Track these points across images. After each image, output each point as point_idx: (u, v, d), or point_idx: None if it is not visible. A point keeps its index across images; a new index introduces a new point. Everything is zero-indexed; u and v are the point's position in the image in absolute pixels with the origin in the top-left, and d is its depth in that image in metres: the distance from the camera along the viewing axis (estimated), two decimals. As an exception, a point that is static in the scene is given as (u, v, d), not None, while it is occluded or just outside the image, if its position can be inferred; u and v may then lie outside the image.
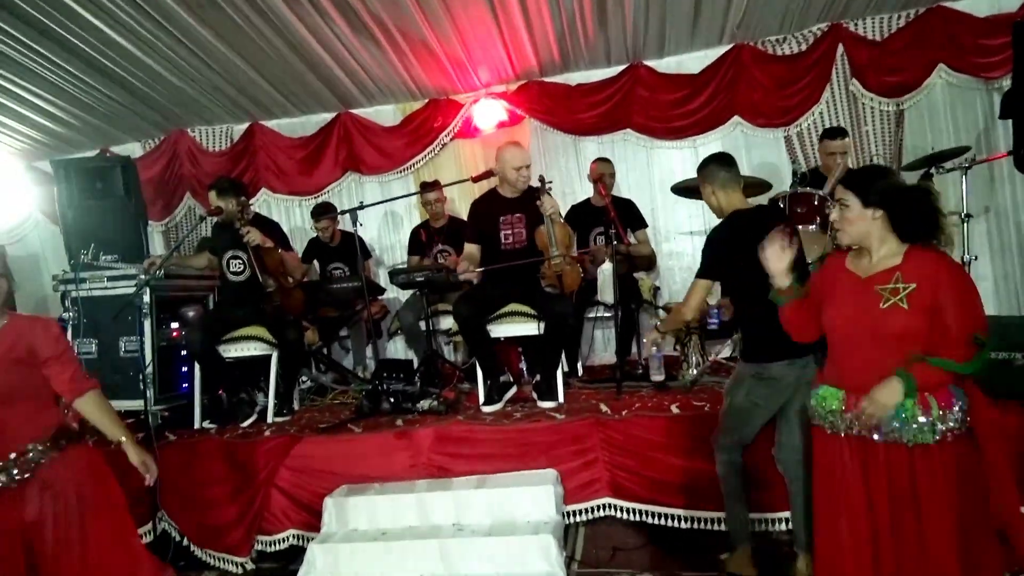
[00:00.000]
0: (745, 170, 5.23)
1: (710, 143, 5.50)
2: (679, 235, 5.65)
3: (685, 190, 4.43)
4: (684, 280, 5.48)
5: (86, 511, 2.45)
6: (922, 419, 1.98)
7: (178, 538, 3.88)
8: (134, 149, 6.41)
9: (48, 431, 2.44)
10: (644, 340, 4.15)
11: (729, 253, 2.82)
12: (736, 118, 5.45)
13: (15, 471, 2.36)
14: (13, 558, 2.36)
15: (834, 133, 4.48)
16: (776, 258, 2.31)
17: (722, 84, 5.43)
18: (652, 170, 5.72)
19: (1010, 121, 4.14)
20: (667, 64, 5.61)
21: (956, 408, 1.99)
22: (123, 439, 2.54)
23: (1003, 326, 3.19)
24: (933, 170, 3.96)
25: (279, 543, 3.74)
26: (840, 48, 5.23)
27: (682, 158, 5.64)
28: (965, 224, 4.07)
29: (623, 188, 5.63)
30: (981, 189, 5.05)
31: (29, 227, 6.65)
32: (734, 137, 5.51)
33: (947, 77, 5.12)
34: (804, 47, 5.34)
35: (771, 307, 2.43)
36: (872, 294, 2.06)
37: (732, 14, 5.01)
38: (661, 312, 4.79)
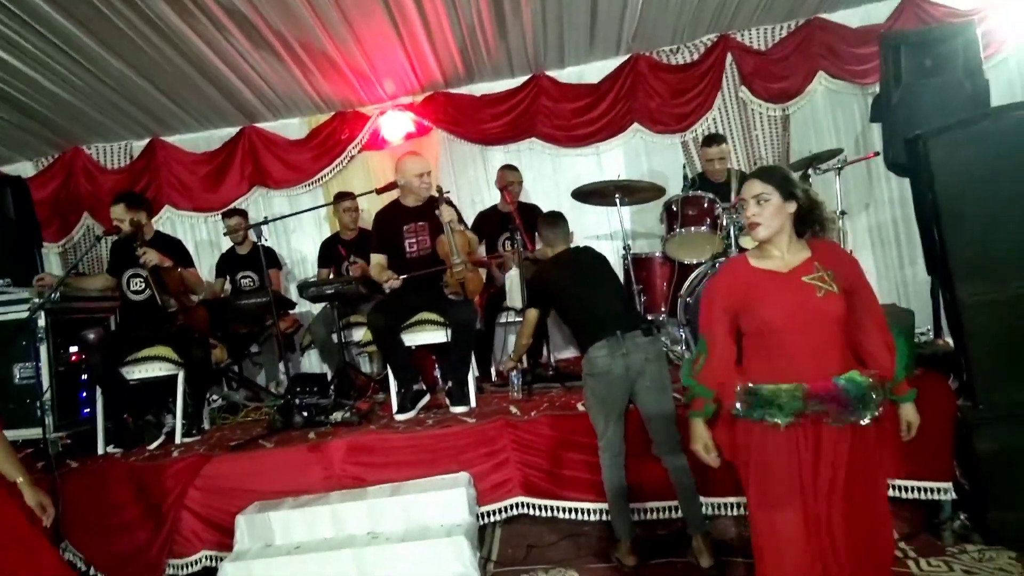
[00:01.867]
0: (645, 174, 5.51)
1: (612, 149, 5.74)
2: (586, 239, 5.80)
3: (587, 196, 4.58)
4: (592, 282, 5.64)
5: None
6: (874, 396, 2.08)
7: (84, 568, 3.75)
8: (26, 168, 6.15)
9: None
10: (501, 367, 4.58)
11: (547, 288, 3.44)
12: (636, 125, 5.69)
13: None
14: None
15: (711, 140, 4.76)
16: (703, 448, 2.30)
17: (621, 92, 5.66)
18: (558, 177, 5.89)
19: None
20: (568, 74, 5.82)
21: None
22: (19, 479, 2.44)
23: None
24: (811, 171, 4.24)
25: (191, 565, 3.65)
26: (729, 57, 5.55)
27: (586, 164, 5.84)
28: (841, 220, 4.37)
29: (532, 195, 5.76)
30: (861, 186, 5.43)
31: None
32: (634, 143, 5.76)
33: (827, 83, 5.50)
34: (696, 56, 5.64)
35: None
36: (803, 286, 2.12)
37: (627, 24, 5.23)
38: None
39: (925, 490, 3.23)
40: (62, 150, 6.12)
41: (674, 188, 4.92)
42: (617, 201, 4.24)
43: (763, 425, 2.10)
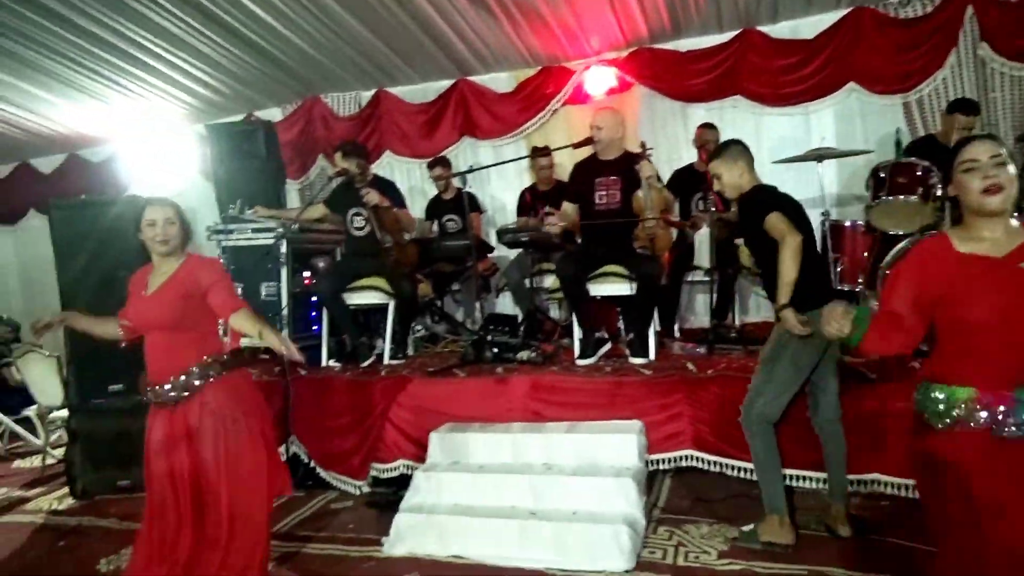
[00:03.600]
0: (857, 137, 5.19)
1: (823, 109, 5.45)
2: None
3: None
4: (787, 247, 5.47)
5: (240, 430, 2.77)
6: None
7: (306, 460, 4.40)
8: (275, 114, 7.03)
9: (211, 356, 2.74)
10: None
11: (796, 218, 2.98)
12: (851, 84, 5.34)
13: (182, 388, 2.68)
14: (180, 467, 2.72)
15: (968, 108, 4.30)
16: (840, 328, 1.93)
17: (838, 49, 5.32)
18: (760, 137, 5.68)
19: None
20: (780, 29, 5.56)
21: None
22: (272, 336, 2.70)
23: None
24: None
25: (391, 471, 4.13)
26: (969, 10, 4.99)
27: (792, 124, 5.61)
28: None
29: (731, 154, 5.64)
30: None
31: (187, 184, 7.45)
32: (848, 104, 5.43)
33: (1091, 40, 4.81)
34: (930, 8, 5.14)
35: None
36: (1020, 275, 1.78)
37: (852, -25, 4.91)
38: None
39: None
40: (304, 98, 6.90)
41: (887, 154, 4.60)
42: (819, 171, 4.08)
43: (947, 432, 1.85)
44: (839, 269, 4.24)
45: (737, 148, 3.24)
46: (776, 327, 3.12)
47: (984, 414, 1.78)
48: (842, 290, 4.22)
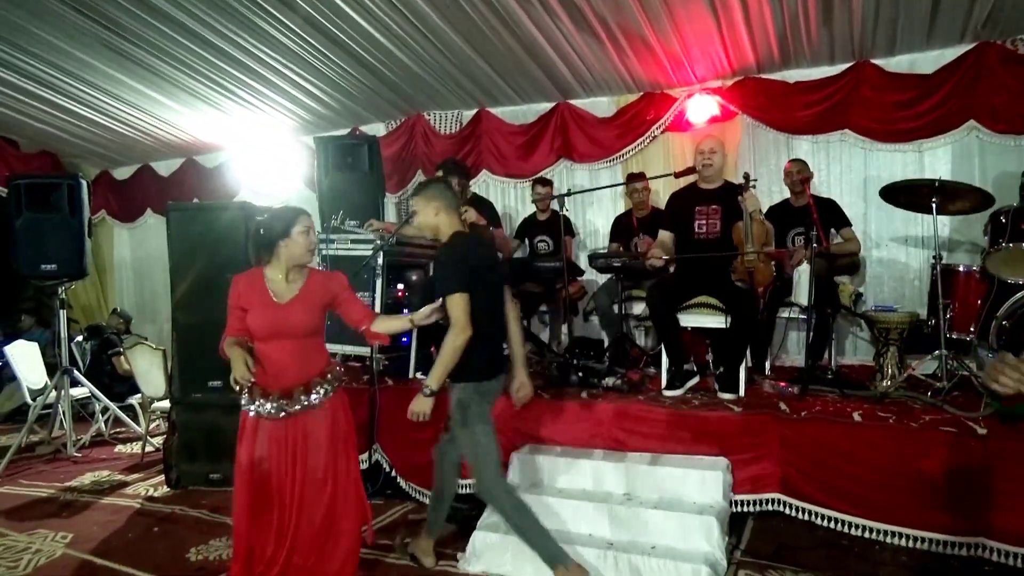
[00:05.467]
0: (975, 179, 4.93)
1: (938, 147, 5.20)
2: (891, 242, 5.40)
3: (898, 196, 4.26)
4: (892, 289, 5.26)
5: (341, 445, 2.94)
6: None
7: (388, 469, 4.49)
8: (378, 129, 7.27)
9: (327, 366, 2.94)
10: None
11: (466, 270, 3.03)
12: (971, 122, 5.07)
13: (304, 398, 2.85)
14: (290, 473, 2.85)
15: None
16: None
17: (959, 86, 5.08)
18: (868, 174, 5.49)
19: None
20: (897, 63, 5.35)
21: None
22: (415, 317, 2.95)
23: None
24: None
25: (470, 487, 4.14)
26: (1106, 49, 4.70)
27: (903, 162, 5.38)
28: None
29: (835, 190, 5.48)
30: None
31: (292, 194, 7.80)
32: (967, 143, 5.16)
33: None
34: (1062, 47, 4.85)
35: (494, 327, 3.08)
36: None
37: (978, 8, 4.67)
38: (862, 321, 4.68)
39: None
40: (407, 115, 7.12)
41: (1009, 198, 4.35)
42: (933, 207, 3.89)
43: None
44: (949, 316, 4.03)
45: (436, 188, 3.30)
46: (451, 393, 3.25)
47: None
48: (950, 338, 4.01)
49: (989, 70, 5.00)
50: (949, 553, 3.19)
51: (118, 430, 6.51)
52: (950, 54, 5.15)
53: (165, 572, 3.53)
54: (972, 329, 3.97)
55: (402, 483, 4.43)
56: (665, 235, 4.42)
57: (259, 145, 7.84)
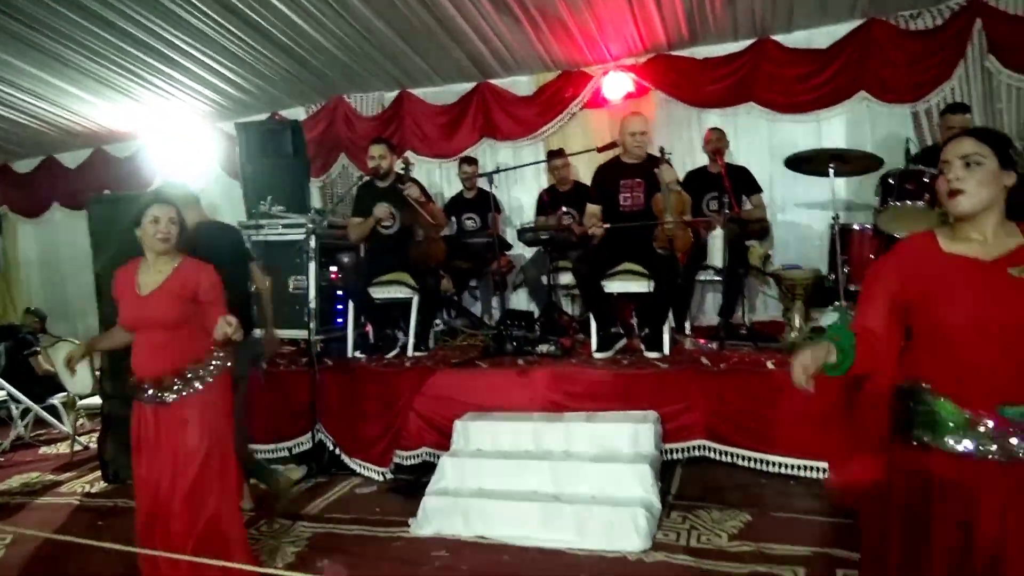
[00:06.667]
0: (867, 144, 5.36)
1: (833, 117, 5.63)
2: (795, 206, 5.81)
3: (800, 164, 4.60)
4: (798, 250, 5.66)
5: (214, 434, 2.81)
6: None
7: (331, 447, 4.58)
8: (299, 113, 7.23)
9: (205, 355, 2.81)
10: None
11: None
12: (862, 93, 5.51)
13: (182, 386, 2.75)
14: (171, 458, 2.74)
15: (956, 108, 4.52)
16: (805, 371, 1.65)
17: (851, 59, 5.49)
18: (773, 142, 5.87)
19: None
20: (795, 39, 5.73)
21: None
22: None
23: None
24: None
25: (413, 458, 4.32)
26: (978, 23, 5.16)
27: (804, 131, 5.78)
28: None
29: (743, 159, 5.81)
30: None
31: (210, 181, 7.65)
32: (859, 111, 5.60)
33: (1094, 53, 4.97)
34: (940, 21, 5.31)
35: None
36: (1010, 281, 1.64)
37: (864, -12, 5.08)
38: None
39: None
40: (327, 98, 7.10)
41: (896, 161, 4.78)
42: (830, 171, 4.26)
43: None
44: (847, 271, 4.41)
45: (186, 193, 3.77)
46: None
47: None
48: (849, 290, 4.40)
49: (877, 44, 5.43)
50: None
51: (39, 432, 6.31)
52: (843, 30, 5.55)
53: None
54: (867, 281, 4.37)
55: (346, 459, 4.53)
56: (593, 207, 4.64)
57: (174, 132, 7.64)
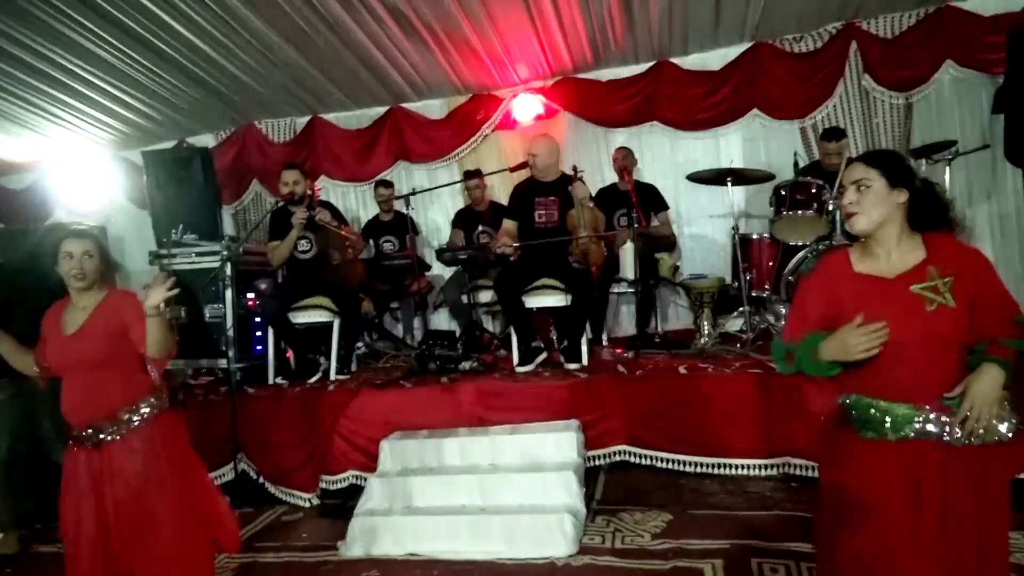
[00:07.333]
0: (762, 158, 5.73)
1: (730, 133, 5.98)
2: (700, 219, 6.12)
3: (701, 179, 4.89)
4: (704, 260, 5.96)
5: (171, 474, 2.62)
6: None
7: (255, 476, 4.50)
8: (208, 140, 7.09)
9: (141, 395, 2.62)
10: None
11: None
12: (755, 111, 5.88)
13: (112, 430, 2.56)
14: (90, 513, 2.55)
15: (831, 135, 4.91)
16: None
17: (743, 79, 5.86)
18: (676, 158, 6.19)
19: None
20: (692, 61, 6.06)
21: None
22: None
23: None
24: (924, 160, 4.37)
25: (340, 482, 4.29)
26: (853, 45, 5.61)
27: (704, 147, 6.13)
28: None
29: (650, 175, 6.10)
30: (984, 176, 5.42)
31: (113, 211, 7.40)
32: (753, 128, 5.97)
33: (954, 72, 5.46)
34: (820, 44, 5.73)
35: None
36: (909, 297, 1.81)
37: (751, 13, 5.42)
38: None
39: None
40: (238, 125, 7.01)
41: (788, 173, 5.12)
42: (728, 183, 4.55)
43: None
44: (748, 278, 4.70)
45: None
46: None
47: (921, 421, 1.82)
48: (751, 296, 4.68)
49: (765, 66, 5.82)
50: (764, 475, 3.80)
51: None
52: (734, 52, 5.93)
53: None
54: (767, 287, 4.67)
55: (271, 488, 4.45)
56: (510, 224, 4.78)
57: (74, 163, 7.36)
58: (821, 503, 2.03)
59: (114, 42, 5.22)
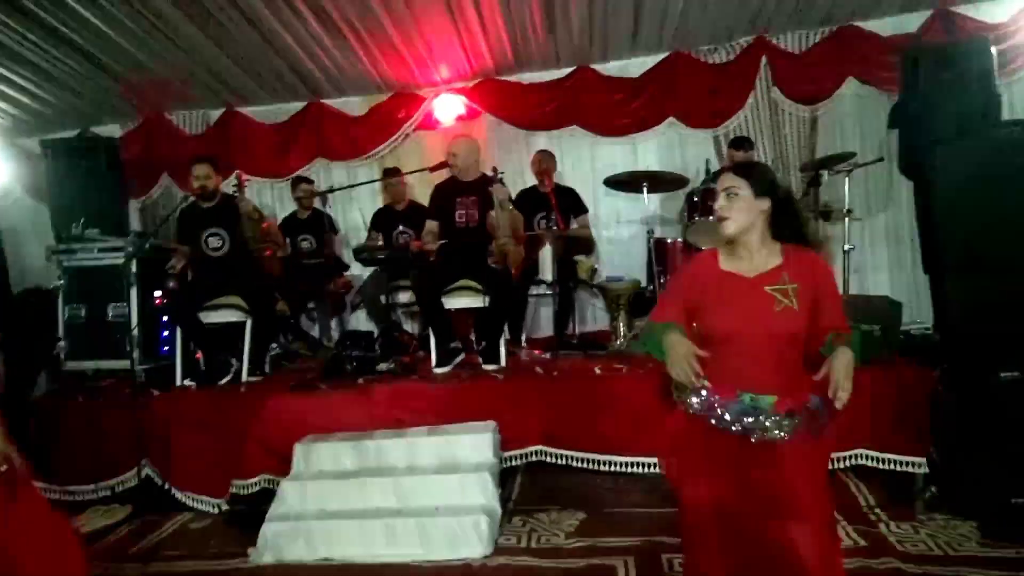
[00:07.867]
0: (678, 165, 5.88)
1: (647, 140, 6.12)
2: (618, 223, 6.25)
3: (619, 184, 4.99)
4: (621, 262, 6.07)
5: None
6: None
7: (160, 482, 4.32)
8: (114, 130, 6.74)
9: None
10: None
11: None
12: (671, 119, 6.03)
13: None
14: None
15: (738, 144, 5.11)
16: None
17: (660, 88, 6.01)
18: (595, 163, 6.29)
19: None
20: (611, 68, 6.17)
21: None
22: None
23: (868, 302, 3.85)
24: (825, 171, 4.60)
25: (251, 487, 4.13)
26: (763, 59, 5.84)
27: (622, 152, 6.25)
28: (847, 219, 4.70)
29: (570, 179, 6.18)
30: (881, 187, 5.75)
31: (8, 202, 6.95)
32: (670, 136, 6.14)
33: (856, 88, 5.77)
34: (732, 56, 5.94)
35: None
36: (763, 296, 2.03)
37: (669, 24, 5.56)
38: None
39: (901, 463, 3.63)
40: (146, 115, 6.70)
41: (700, 180, 5.29)
42: (644, 189, 4.66)
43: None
44: (663, 280, 4.83)
45: None
46: None
47: (713, 408, 2.07)
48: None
49: (681, 75, 5.98)
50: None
51: None
52: (651, 61, 6.07)
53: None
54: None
55: (177, 494, 4.30)
56: (432, 224, 4.77)
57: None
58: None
59: (9, 22, 4.91)
